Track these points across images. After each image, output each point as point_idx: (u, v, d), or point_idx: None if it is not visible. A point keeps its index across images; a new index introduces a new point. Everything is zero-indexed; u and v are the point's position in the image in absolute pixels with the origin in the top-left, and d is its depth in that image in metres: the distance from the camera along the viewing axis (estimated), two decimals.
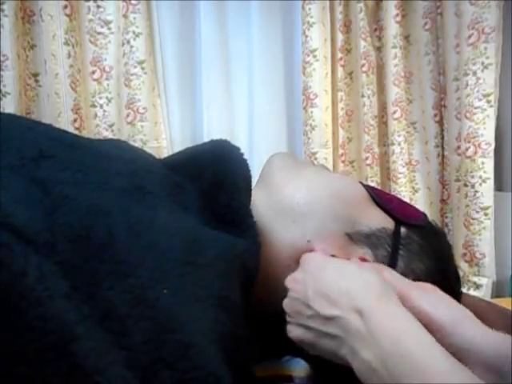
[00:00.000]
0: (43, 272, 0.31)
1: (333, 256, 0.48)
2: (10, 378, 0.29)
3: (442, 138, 1.21)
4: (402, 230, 0.51)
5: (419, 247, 0.51)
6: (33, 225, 0.33)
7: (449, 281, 0.51)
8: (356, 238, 0.49)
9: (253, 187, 0.51)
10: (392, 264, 0.49)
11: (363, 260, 0.48)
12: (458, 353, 0.37)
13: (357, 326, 0.36)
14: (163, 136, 1.19)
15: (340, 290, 0.39)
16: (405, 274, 0.47)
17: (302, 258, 0.46)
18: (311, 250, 0.48)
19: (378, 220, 0.51)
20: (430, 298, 0.42)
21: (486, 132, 1.08)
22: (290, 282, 0.43)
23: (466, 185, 1.11)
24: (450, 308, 0.42)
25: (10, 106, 1.02)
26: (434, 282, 0.46)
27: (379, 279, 0.40)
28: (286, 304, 0.43)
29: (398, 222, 0.52)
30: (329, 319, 0.38)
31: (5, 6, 1.00)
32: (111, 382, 0.31)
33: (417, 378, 0.32)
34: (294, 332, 0.42)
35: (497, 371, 0.37)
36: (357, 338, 0.36)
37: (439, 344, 0.35)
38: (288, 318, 0.43)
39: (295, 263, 0.47)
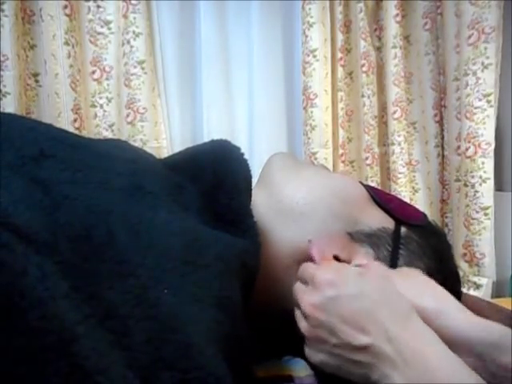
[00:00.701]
0: (44, 272, 0.31)
1: (335, 256, 0.48)
2: (10, 377, 0.29)
3: (442, 138, 1.21)
4: (402, 229, 0.51)
5: (419, 247, 0.51)
6: (33, 224, 0.33)
7: (449, 281, 0.51)
8: (357, 237, 0.49)
9: (253, 187, 0.51)
10: (393, 263, 0.50)
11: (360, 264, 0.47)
12: (444, 339, 0.37)
13: (387, 352, 0.36)
14: (163, 136, 1.19)
15: (367, 316, 0.38)
16: None
17: (309, 273, 0.42)
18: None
19: (378, 220, 0.51)
20: (415, 284, 0.43)
21: (486, 132, 1.08)
22: (309, 307, 0.40)
23: (466, 185, 1.11)
24: (435, 295, 0.42)
25: (9, 106, 1.02)
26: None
27: (398, 295, 0.40)
28: (306, 330, 0.41)
29: (398, 222, 0.52)
30: (358, 348, 0.37)
31: (5, 6, 1.00)
32: (112, 381, 0.31)
33: None
34: (316, 357, 0.41)
35: (483, 359, 0.37)
36: (388, 363, 0.36)
37: (462, 361, 0.35)
38: (308, 343, 0.41)
39: (296, 263, 0.47)
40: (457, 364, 0.35)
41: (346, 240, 0.49)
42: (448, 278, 0.52)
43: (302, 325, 0.41)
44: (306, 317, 0.41)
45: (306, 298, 0.41)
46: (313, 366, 0.51)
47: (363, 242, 0.49)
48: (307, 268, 0.44)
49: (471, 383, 0.34)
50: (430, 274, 0.49)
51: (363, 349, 0.37)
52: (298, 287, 0.43)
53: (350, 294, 0.39)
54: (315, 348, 0.41)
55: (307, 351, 0.42)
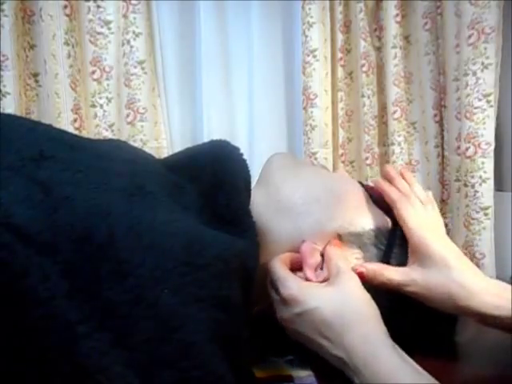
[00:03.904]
0: (45, 272, 0.31)
1: (321, 254, 0.49)
2: (11, 377, 0.29)
3: (442, 138, 1.21)
4: (399, 229, 0.52)
5: None
6: (34, 225, 0.33)
7: None
8: (346, 238, 0.51)
9: (252, 187, 0.51)
10: (385, 263, 0.50)
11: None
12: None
13: (345, 358, 0.40)
14: (163, 136, 1.19)
15: (326, 327, 0.42)
16: None
17: (276, 283, 0.46)
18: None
19: (374, 219, 0.52)
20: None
21: (486, 132, 1.08)
22: (283, 321, 0.45)
23: (465, 185, 1.11)
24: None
25: (9, 106, 1.02)
26: None
27: (356, 299, 0.43)
28: (292, 336, 0.46)
29: (396, 222, 0.52)
30: (329, 354, 0.42)
31: (5, 6, 1.00)
32: (112, 381, 0.31)
33: None
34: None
35: None
36: (348, 368, 0.40)
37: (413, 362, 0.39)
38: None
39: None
40: (409, 366, 0.38)
41: (336, 241, 0.50)
42: None
43: (289, 333, 0.46)
44: (284, 327, 0.46)
45: (279, 311, 0.45)
46: (313, 365, 0.51)
47: (352, 243, 0.50)
48: (273, 275, 0.47)
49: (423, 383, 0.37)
50: None
51: (333, 356, 0.42)
52: (273, 297, 0.47)
53: (313, 308, 0.43)
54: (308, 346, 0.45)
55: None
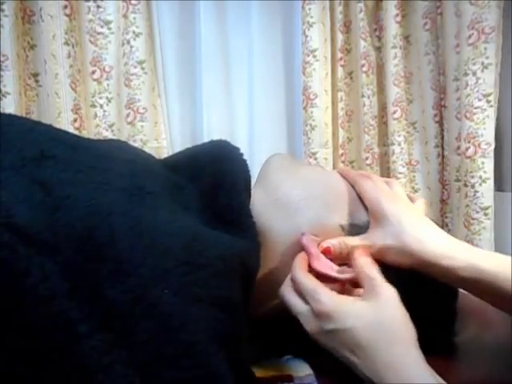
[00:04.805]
0: (45, 272, 0.31)
1: (327, 249, 0.49)
2: (12, 376, 0.29)
3: (442, 137, 1.21)
4: None
5: None
6: (35, 225, 0.33)
7: None
8: (348, 229, 0.51)
9: (252, 187, 0.51)
10: None
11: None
12: None
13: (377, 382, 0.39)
14: (163, 136, 1.19)
15: (358, 349, 0.40)
16: None
17: (309, 293, 0.44)
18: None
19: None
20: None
21: (486, 132, 1.08)
22: (311, 332, 0.43)
23: (465, 185, 1.11)
24: None
25: (10, 106, 1.02)
26: (429, 278, 0.48)
27: (391, 316, 0.42)
28: (320, 345, 0.44)
29: None
30: (358, 370, 0.40)
31: (5, 6, 1.00)
32: (113, 380, 0.31)
33: None
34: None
35: None
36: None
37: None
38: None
39: (291, 259, 0.48)
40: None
41: (338, 232, 0.50)
42: None
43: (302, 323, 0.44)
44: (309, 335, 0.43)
45: (308, 323, 0.43)
46: (313, 365, 0.51)
47: (354, 234, 0.50)
48: (305, 285, 0.44)
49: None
50: None
51: (363, 373, 0.40)
52: (299, 308, 0.44)
53: (346, 329, 0.40)
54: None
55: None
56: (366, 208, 0.52)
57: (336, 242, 0.49)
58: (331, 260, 0.48)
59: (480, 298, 0.48)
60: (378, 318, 0.41)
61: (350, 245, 0.48)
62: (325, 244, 0.48)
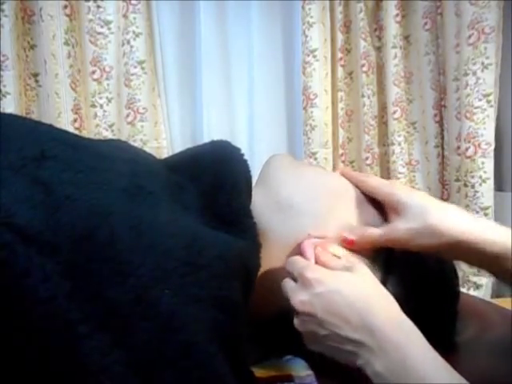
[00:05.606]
0: (46, 272, 0.31)
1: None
2: (13, 376, 0.29)
3: (442, 137, 1.21)
4: None
5: None
6: (35, 225, 0.33)
7: (447, 277, 0.52)
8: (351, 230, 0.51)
9: (253, 187, 0.51)
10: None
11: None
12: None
13: (369, 343, 0.39)
14: (163, 136, 1.19)
15: (350, 309, 0.41)
16: None
17: (298, 270, 0.45)
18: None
19: (370, 216, 0.52)
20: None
21: (486, 132, 1.08)
22: (298, 304, 0.43)
23: (465, 185, 1.11)
24: None
25: (10, 106, 1.02)
26: (431, 279, 0.48)
27: (378, 286, 0.43)
28: (299, 325, 0.44)
29: (387, 218, 0.52)
30: (344, 338, 0.41)
31: (5, 6, 1.00)
32: (113, 380, 0.31)
33: None
34: (312, 347, 0.44)
35: None
36: (370, 353, 0.39)
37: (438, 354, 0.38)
38: (303, 335, 0.44)
39: None
40: (434, 359, 0.38)
41: (341, 233, 0.50)
42: (446, 274, 0.52)
43: (295, 321, 0.44)
44: (297, 313, 0.43)
45: (296, 295, 0.44)
46: (313, 365, 0.51)
47: None
48: (296, 264, 0.45)
49: (446, 380, 0.37)
50: (426, 268, 0.50)
51: (348, 339, 0.40)
52: (288, 285, 0.45)
53: (336, 289, 0.42)
54: (309, 340, 0.44)
55: (305, 342, 0.44)
56: (374, 207, 0.52)
57: (359, 233, 0.49)
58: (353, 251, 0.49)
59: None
60: (365, 284, 0.43)
61: (371, 233, 0.49)
62: (348, 236, 0.49)
